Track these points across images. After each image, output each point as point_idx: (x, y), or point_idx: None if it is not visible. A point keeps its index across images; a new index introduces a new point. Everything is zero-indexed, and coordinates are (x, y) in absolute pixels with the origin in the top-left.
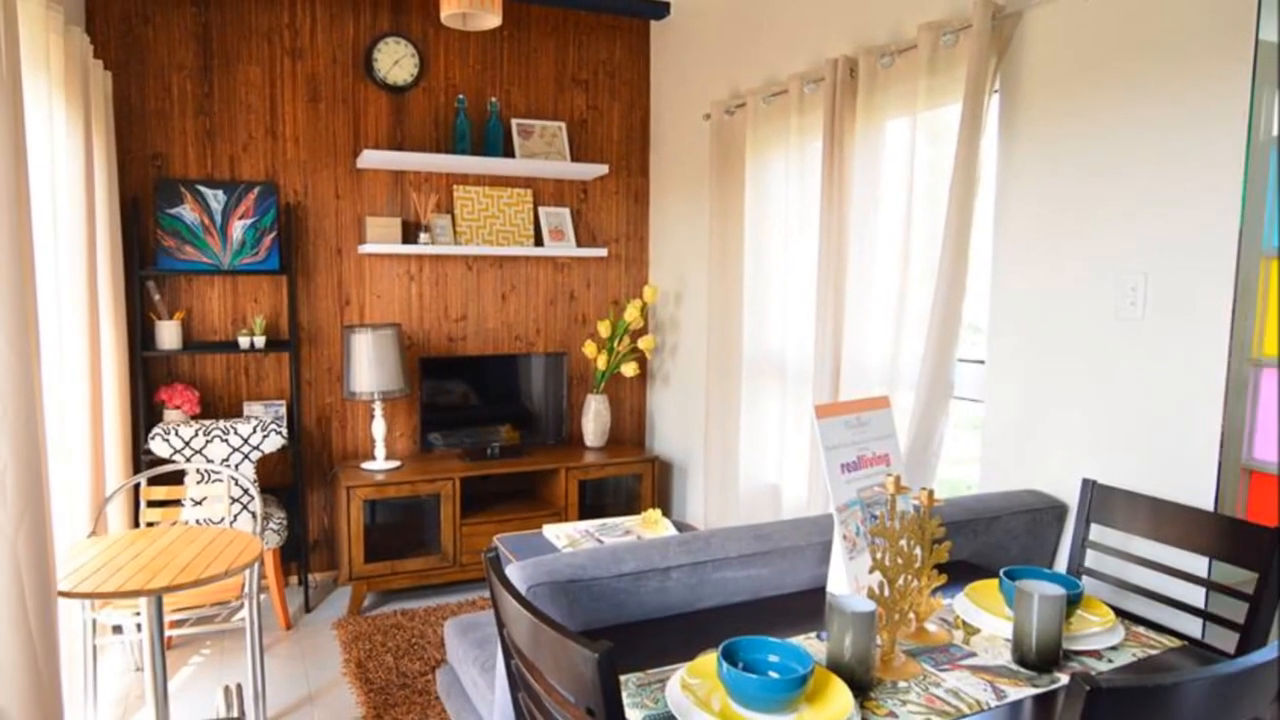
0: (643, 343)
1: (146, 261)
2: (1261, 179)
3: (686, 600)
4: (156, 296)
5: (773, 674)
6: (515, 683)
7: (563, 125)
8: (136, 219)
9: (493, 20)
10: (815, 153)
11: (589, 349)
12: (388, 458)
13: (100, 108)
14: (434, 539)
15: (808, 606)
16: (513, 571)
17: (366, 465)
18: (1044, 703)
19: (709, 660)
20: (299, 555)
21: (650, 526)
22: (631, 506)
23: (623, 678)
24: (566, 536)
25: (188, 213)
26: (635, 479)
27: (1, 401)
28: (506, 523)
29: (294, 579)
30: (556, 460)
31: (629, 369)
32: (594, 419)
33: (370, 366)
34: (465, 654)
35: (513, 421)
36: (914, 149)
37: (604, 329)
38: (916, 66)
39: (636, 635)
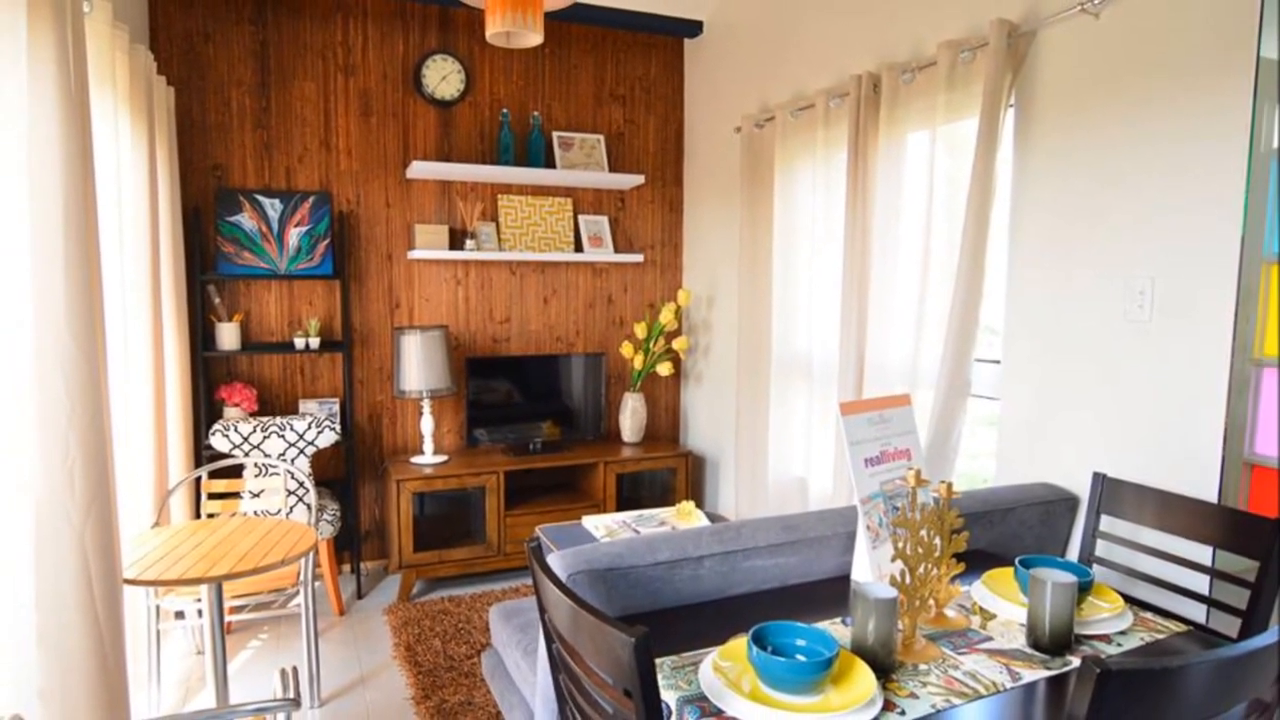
0: (677, 344)
1: (207, 266)
2: (1262, 189)
3: (718, 587)
4: (216, 300)
5: (800, 657)
6: (556, 665)
7: (601, 138)
8: (198, 226)
9: (535, 38)
10: (840, 164)
11: (626, 349)
12: (435, 452)
13: (163, 121)
14: (479, 529)
15: (833, 593)
16: (554, 560)
17: (415, 460)
18: (1057, 684)
19: (740, 644)
20: (351, 545)
21: (684, 518)
22: (666, 499)
23: (658, 660)
24: (605, 527)
25: (246, 220)
26: (670, 472)
27: (70, 399)
28: (548, 514)
29: (346, 567)
30: (595, 455)
31: (664, 368)
32: (631, 416)
33: (419, 366)
34: (509, 638)
35: (554, 418)
36: (933, 160)
37: (640, 330)
38: (936, 82)
39: (671, 620)
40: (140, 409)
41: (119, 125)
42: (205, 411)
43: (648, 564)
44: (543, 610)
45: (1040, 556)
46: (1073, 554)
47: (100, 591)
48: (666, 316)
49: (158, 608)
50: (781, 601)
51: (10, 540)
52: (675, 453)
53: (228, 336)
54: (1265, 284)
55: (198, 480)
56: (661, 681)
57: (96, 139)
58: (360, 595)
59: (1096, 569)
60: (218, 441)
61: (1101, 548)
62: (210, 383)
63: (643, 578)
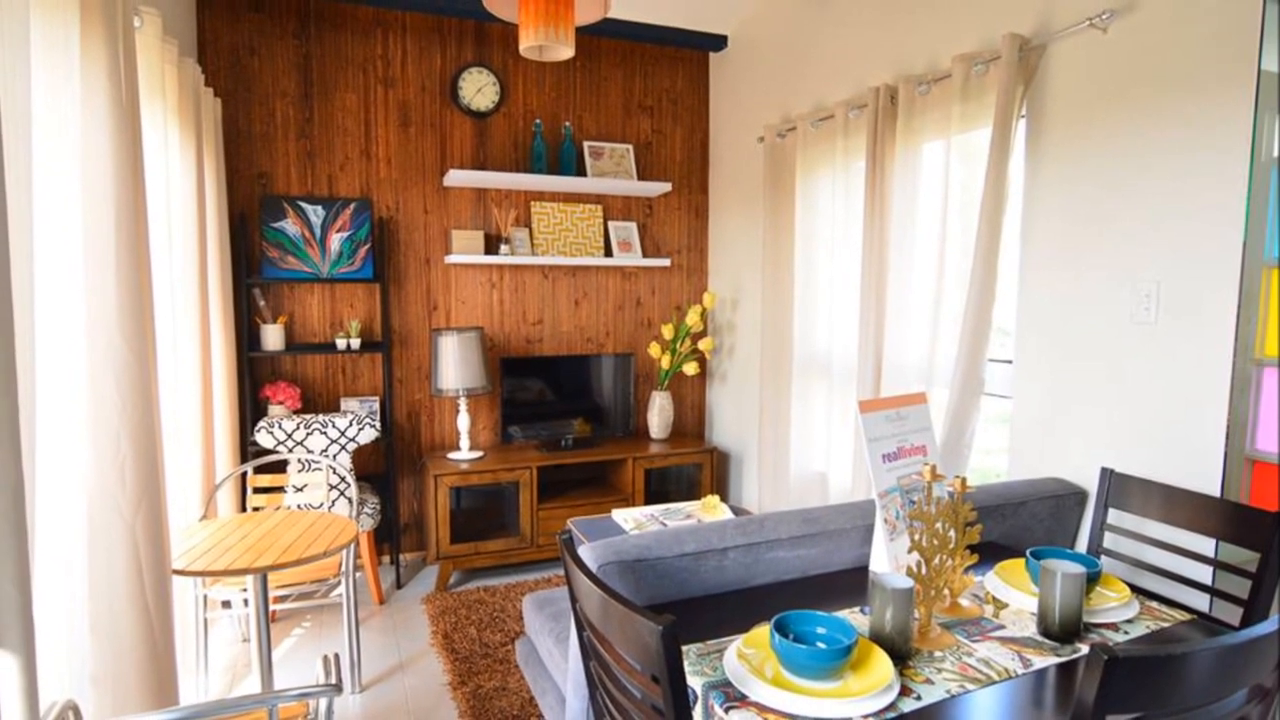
0: (702, 344)
1: (253, 270)
2: (1263, 196)
3: (742, 578)
4: (261, 302)
5: (820, 644)
6: (587, 652)
7: (630, 147)
8: (244, 232)
9: (566, 52)
10: (859, 172)
11: (654, 350)
12: (471, 448)
13: (211, 131)
14: (513, 522)
15: (852, 583)
16: (585, 552)
17: (452, 455)
18: (1066, 671)
19: (762, 632)
20: (391, 537)
21: (709, 511)
22: (692, 493)
23: (684, 648)
24: (633, 520)
25: (290, 226)
26: (696, 468)
27: (121, 398)
28: (579, 507)
29: (386, 559)
30: (624, 451)
31: (690, 368)
32: (658, 413)
33: (456, 366)
34: (541, 626)
35: (584, 416)
36: (948, 169)
37: (667, 332)
38: (950, 94)
39: (697, 610)
40: (189, 407)
41: (168, 135)
42: (251, 409)
43: (674, 555)
44: (574, 599)
45: (1050, 548)
46: (1081, 546)
47: (150, 581)
48: (692, 318)
49: (205, 597)
50: (802, 591)
51: (64, 533)
52: (701, 449)
53: (272, 337)
54: (1266, 287)
55: (244, 475)
56: (687, 668)
57: (147, 148)
58: (399, 585)
59: (1104, 560)
60: (263, 438)
61: (1109, 540)
62: (255, 382)
63: (670, 568)
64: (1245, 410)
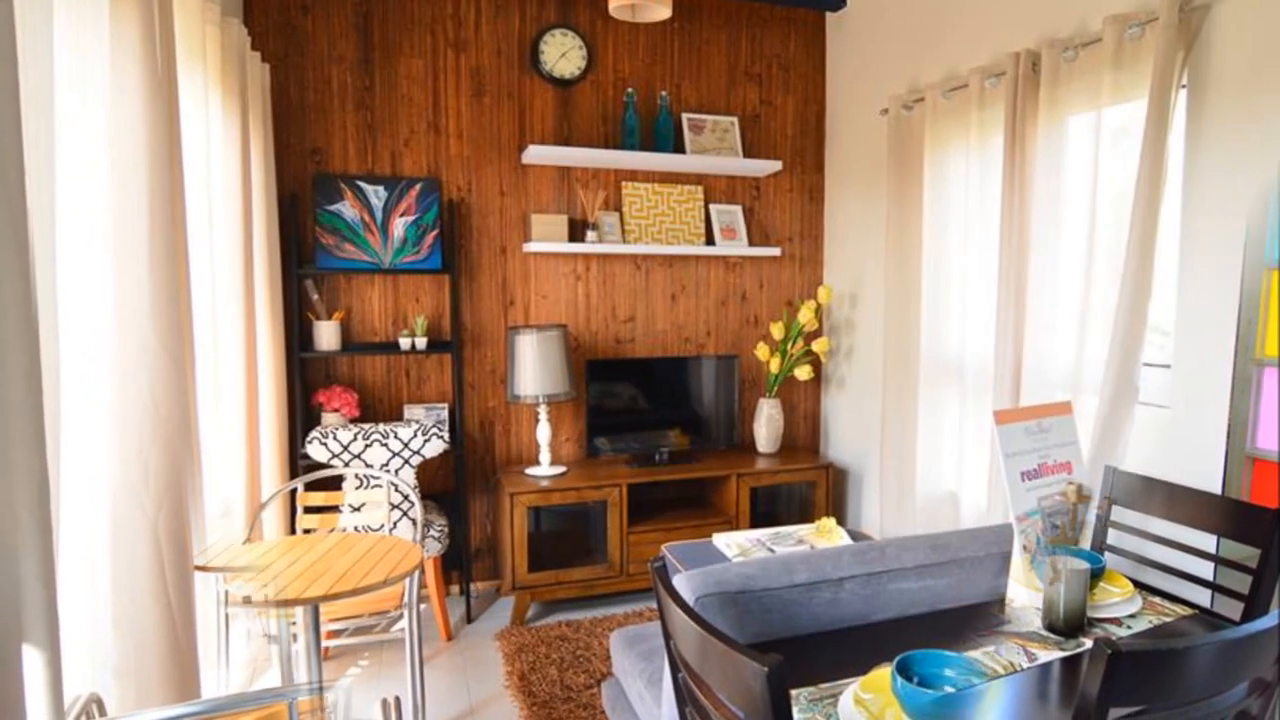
0: (817, 345)
1: (305, 260)
2: None
3: (860, 612)
4: (315, 296)
5: (948, 688)
6: (683, 697)
7: (735, 120)
8: (294, 216)
9: (663, 11)
10: (996, 149)
11: (761, 351)
12: (552, 463)
13: (258, 101)
14: (600, 547)
15: (985, 618)
16: (680, 581)
17: (530, 471)
18: (1071, 664)
19: (883, 674)
20: (460, 564)
21: (824, 535)
22: (805, 514)
23: (793, 692)
24: (737, 545)
25: (348, 209)
26: (809, 486)
27: (154, 401)
28: (675, 531)
29: (455, 588)
30: (727, 466)
31: (802, 372)
32: (766, 424)
33: (535, 369)
34: (631, 667)
35: (682, 426)
36: (1098, 146)
37: (777, 331)
38: (1101, 61)
39: (808, 648)
40: (231, 416)
41: (209, 105)
42: (301, 418)
43: (784, 586)
44: (668, 636)
45: (1055, 544)
46: (1085, 542)
47: (172, 577)
48: (805, 315)
49: (226, 593)
50: (930, 628)
51: (89, 529)
52: (815, 464)
53: (326, 336)
54: (1265, 289)
55: (293, 493)
56: (797, 714)
57: (185, 121)
58: (470, 619)
59: (1108, 556)
60: (315, 450)
61: (1112, 536)
62: (307, 386)
63: (778, 601)
64: (1246, 409)
